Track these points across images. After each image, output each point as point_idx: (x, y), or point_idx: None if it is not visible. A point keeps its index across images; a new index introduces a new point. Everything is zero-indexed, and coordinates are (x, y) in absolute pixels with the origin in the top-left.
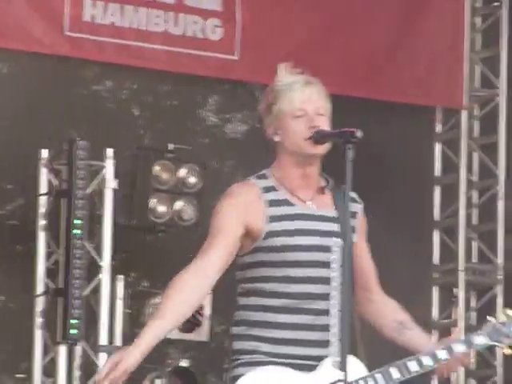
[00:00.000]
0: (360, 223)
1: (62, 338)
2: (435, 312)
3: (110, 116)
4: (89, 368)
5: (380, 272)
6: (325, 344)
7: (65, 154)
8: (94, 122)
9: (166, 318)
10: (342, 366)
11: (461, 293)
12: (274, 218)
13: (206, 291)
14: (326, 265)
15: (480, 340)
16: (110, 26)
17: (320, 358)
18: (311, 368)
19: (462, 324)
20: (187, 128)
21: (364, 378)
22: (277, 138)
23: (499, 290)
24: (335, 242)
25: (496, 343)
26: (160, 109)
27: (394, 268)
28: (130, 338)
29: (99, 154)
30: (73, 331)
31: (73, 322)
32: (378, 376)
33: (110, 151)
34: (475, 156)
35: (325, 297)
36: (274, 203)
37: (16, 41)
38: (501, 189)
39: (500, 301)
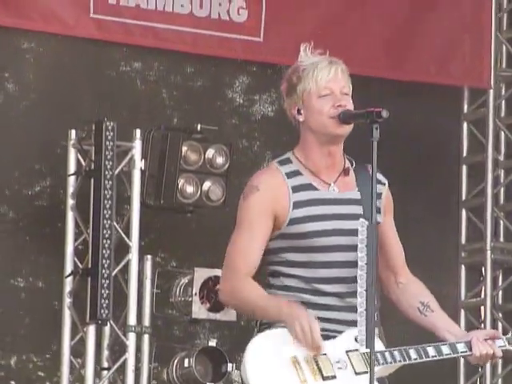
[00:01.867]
0: (385, 203)
1: (91, 318)
2: (463, 291)
3: (138, 97)
4: (117, 348)
5: (407, 252)
6: (353, 323)
7: (93, 135)
8: (122, 102)
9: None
10: (369, 344)
11: (488, 272)
12: (297, 205)
13: None
14: (350, 248)
15: (499, 342)
16: (136, 8)
17: None
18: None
19: (488, 303)
20: (215, 109)
21: (382, 352)
22: (301, 118)
23: None
24: (362, 223)
25: None
26: (187, 90)
27: (421, 247)
28: (158, 318)
29: (127, 134)
30: (101, 311)
31: (101, 302)
32: (396, 353)
33: (137, 132)
34: (502, 135)
35: (350, 280)
36: (298, 189)
37: (43, 23)
38: None
39: None
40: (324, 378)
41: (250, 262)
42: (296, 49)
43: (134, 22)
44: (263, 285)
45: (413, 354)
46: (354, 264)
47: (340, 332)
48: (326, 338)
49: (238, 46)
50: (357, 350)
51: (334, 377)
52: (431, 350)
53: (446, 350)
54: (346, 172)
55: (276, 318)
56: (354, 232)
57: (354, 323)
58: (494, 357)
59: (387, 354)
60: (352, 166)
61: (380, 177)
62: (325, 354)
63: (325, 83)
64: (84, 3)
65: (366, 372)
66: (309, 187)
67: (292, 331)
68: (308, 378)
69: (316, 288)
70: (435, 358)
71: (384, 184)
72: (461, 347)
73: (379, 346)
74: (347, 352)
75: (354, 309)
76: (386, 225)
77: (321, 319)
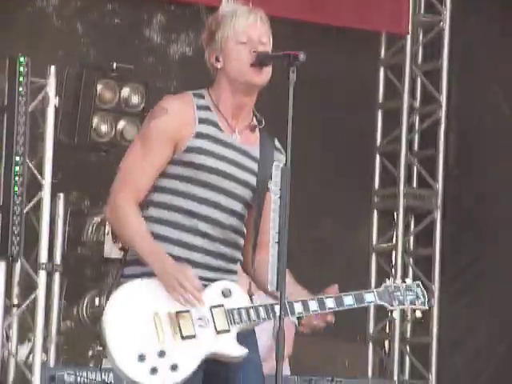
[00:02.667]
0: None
1: (1, 253)
2: (375, 236)
3: (54, 33)
4: (28, 285)
5: (322, 195)
6: (217, 270)
7: (7, 71)
8: (38, 39)
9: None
10: (280, 286)
11: (400, 217)
12: (199, 135)
13: None
14: (234, 196)
15: (370, 297)
16: None
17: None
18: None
19: (400, 248)
20: (132, 47)
21: (246, 308)
22: (219, 65)
23: (438, 215)
24: (276, 166)
25: (385, 304)
26: (105, 27)
27: (335, 193)
28: (70, 256)
29: (42, 71)
30: (12, 248)
31: (13, 238)
32: (261, 309)
33: (52, 68)
34: (418, 82)
35: (226, 226)
36: (204, 121)
37: None
38: (442, 115)
39: (438, 226)
40: (183, 338)
41: (141, 182)
42: None
43: None
44: None
45: (262, 312)
46: (233, 212)
47: (208, 279)
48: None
49: None
50: (222, 305)
51: (193, 336)
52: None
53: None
54: (251, 128)
55: (152, 265)
56: (241, 182)
57: (219, 270)
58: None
59: (251, 311)
60: (261, 124)
61: (280, 146)
62: (188, 311)
63: (242, 29)
64: None
65: (227, 331)
66: (214, 125)
67: (170, 286)
68: (167, 339)
69: (191, 225)
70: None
71: (283, 154)
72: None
73: (244, 301)
74: (211, 308)
75: (222, 256)
76: (268, 198)
77: (185, 260)
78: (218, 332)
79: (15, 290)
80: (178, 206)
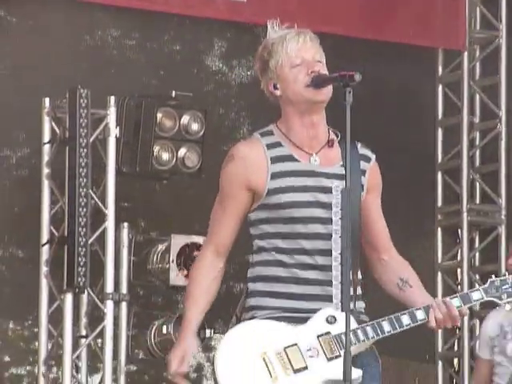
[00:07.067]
0: (370, 180)
1: (68, 285)
2: (440, 254)
3: (113, 63)
4: (95, 315)
5: (384, 215)
6: (329, 298)
7: (67, 103)
8: (97, 69)
9: (199, 304)
10: (345, 307)
11: (464, 234)
12: (276, 175)
13: (221, 276)
14: (329, 221)
15: (476, 295)
16: None
17: None
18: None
19: (465, 265)
20: (191, 74)
21: (354, 330)
22: (278, 92)
23: (502, 230)
24: (336, 187)
25: (493, 299)
26: (164, 55)
27: (397, 211)
28: (135, 285)
29: (102, 102)
30: (78, 279)
31: (78, 269)
32: (368, 328)
33: (112, 99)
34: (477, 97)
35: (327, 252)
36: (277, 159)
37: None
38: (503, 129)
39: (503, 241)
40: (295, 371)
41: (220, 236)
42: (280, 10)
43: None
44: (239, 254)
45: (370, 331)
46: (330, 237)
47: (317, 310)
48: (299, 321)
49: (221, 7)
50: (328, 333)
51: (305, 368)
52: (386, 325)
53: (406, 320)
54: (329, 144)
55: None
56: (330, 206)
57: (330, 298)
58: (452, 317)
59: (359, 332)
60: (337, 138)
61: (366, 152)
62: (295, 345)
63: (295, 53)
64: None
65: (339, 356)
66: (289, 158)
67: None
68: (279, 374)
69: (298, 260)
70: (397, 331)
71: (369, 161)
72: (420, 314)
73: (352, 322)
74: (318, 337)
75: (330, 283)
76: (369, 202)
77: (298, 296)
78: (329, 359)
79: (83, 321)
80: (280, 248)
